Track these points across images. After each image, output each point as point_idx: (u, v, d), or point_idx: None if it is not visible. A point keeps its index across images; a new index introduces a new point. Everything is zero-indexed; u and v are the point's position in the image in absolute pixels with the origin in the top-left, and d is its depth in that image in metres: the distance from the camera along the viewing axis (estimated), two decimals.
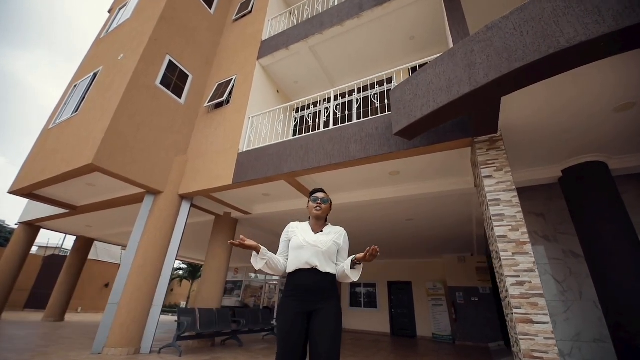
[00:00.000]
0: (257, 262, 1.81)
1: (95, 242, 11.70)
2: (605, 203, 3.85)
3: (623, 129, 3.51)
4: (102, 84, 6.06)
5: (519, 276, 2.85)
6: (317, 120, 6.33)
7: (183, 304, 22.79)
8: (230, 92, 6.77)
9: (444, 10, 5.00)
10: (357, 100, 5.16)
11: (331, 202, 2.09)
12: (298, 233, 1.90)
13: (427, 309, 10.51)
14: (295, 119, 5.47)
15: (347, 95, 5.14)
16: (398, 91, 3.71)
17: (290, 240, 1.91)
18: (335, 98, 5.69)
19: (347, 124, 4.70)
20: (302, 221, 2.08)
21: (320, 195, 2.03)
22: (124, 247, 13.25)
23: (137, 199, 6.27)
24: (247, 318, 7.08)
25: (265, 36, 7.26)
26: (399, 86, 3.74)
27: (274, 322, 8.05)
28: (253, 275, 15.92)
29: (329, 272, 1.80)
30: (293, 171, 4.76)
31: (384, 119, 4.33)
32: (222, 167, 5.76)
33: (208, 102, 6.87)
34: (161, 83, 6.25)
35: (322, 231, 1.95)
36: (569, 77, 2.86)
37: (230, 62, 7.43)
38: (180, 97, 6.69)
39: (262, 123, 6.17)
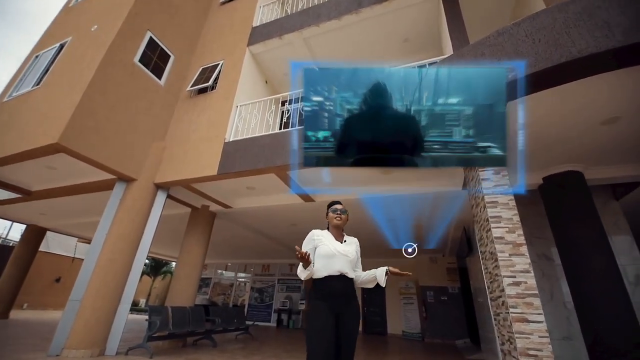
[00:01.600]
0: (303, 273, 1.99)
1: (47, 233, 10.55)
2: (582, 210, 4.11)
3: (604, 142, 3.76)
4: (71, 57, 5.41)
5: (515, 277, 2.93)
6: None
7: (143, 302, 21.42)
8: (217, 78, 6.39)
9: (443, 16, 5.09)
10: None
11: (348, 214, 2.25)
12: (326, 241, 2.08)
13: (399, 307, 10.79)
14: (289, 111, 5.27)
15: None
16: None
17: (317, 248, 2.08)
18: None
19: None
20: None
21: (339, 206, 2.23)
22: (81, 238, 12.11)
23: (105, 186, 5.69)
24: (221, 317, 6.75)
25: (256, 22, 6.95)
26: None
27: (250, 322, 7.77)
28: (222, 272, 15.36)
29: (352, 279, 2.05)
30: (285, 164, 4.58)
31: None
32: (205, 157, 5.41)
33: (191, 87, 6.43)
34: (140, 61, 5.73)
35: (345, 241, 2.16)
36: (570, 88, 2.97)
37: (216, 46, 7.02)
38: (160, 78, 6.18)
39: (251, 113, 5.89)
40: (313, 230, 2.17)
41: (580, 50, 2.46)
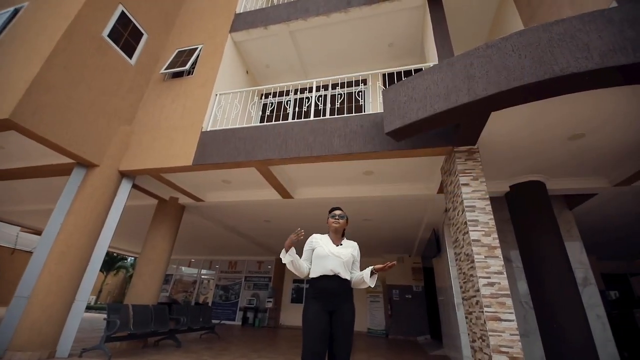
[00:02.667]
0: (285, 256, 2.12)
1: None
2: (543, 217, 4.46)
3: (567, 156, 4.10)
4: (27, 24, 4.75)
5: (490, 277, 3.10)
6: (297, 108, 6.04)
7: (92, 299, 19.74)
8: (195, 63, 6.02)
9: (428, 24, 5.25)
10: (341, 94, 5.08)
11: (347, 218, 2.39)
12: (322, 244, 2.23)
13: (365, 305, 11.02)
14: (272, 104, 5.12)
15: (327, 89, 5.01)
16: (392, 92, 3.73)
17: (314, 250, 2.23)
18: (318, 89, 5.49)
19: (330, 117, 4.57)
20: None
21: (338, 212, 2.36)
22: (25, 228, 10.81)
23: (62, 171, 5.11)
24: (185, 315, 6.40)
25: (240, 9, 6.66)
26: (393, 87, 3.75)
27: (216, 321, 7.46)
28: (185, 268, 14.64)
29: (347, 279, 2.16)
30: (269, 159, 4.43)
31: (370, 117, 4.32)
32: (179, 145, 5.07)
33: (165, 69, 6.00)
34: (109, 36, 5.22)
35: (342, 244, 2.29)
36: (544, 104, 3.20)
37: (195, 29, 6.61)
38: (130, 57, 5.69)
39: (231, 103, 5.63)
40: (314, 234, 2.34)
41: (562, 68, 2.64)
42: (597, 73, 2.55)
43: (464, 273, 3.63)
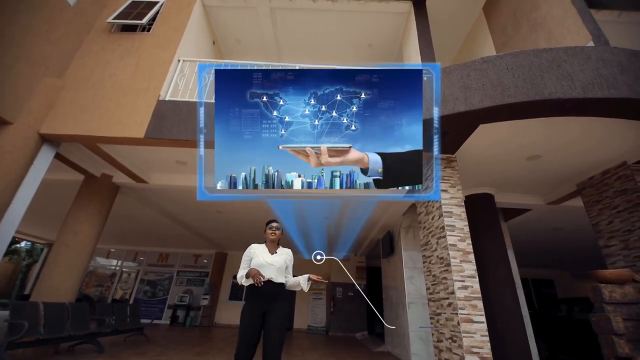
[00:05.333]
0: (246, 282, 2.44)
1: None
2: (491, 226, 4.94)
3: (518, 174, 4.60)
4: None
5: (464, 281, 3.25)
6: None
7: None
8: (153, 19, 5.11)
9: (412, 30, 5.38)
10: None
11: (282, 230, 2.74)
12: (259, 254, 2.55)
13: (308, 303, 10.97)
14: None
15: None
16: None
17: (252, 259, 2.54)
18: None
19: None
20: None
21: (275, 224, 2.71)
22: None
23: None
24: (110, 315, 5.41)
25: None
26: None
27: (147, 321, 6.50)
28: (101, 259, 12.57)
29: (280, 282, 2.51)
30: None
31: None
32: (128, 112, 4.22)
33: (114, 19, 4.95)
34: None
35: (277, 252, 2.63)
36: (530, 124, 3.44)
37: None
38: None
39: (198, 73, 4.90)
40: (251, 245, 2.64)
41: (551, 93, 2.89)
42: (579, 102, 2.85)
43: (433, 275, 3.76)
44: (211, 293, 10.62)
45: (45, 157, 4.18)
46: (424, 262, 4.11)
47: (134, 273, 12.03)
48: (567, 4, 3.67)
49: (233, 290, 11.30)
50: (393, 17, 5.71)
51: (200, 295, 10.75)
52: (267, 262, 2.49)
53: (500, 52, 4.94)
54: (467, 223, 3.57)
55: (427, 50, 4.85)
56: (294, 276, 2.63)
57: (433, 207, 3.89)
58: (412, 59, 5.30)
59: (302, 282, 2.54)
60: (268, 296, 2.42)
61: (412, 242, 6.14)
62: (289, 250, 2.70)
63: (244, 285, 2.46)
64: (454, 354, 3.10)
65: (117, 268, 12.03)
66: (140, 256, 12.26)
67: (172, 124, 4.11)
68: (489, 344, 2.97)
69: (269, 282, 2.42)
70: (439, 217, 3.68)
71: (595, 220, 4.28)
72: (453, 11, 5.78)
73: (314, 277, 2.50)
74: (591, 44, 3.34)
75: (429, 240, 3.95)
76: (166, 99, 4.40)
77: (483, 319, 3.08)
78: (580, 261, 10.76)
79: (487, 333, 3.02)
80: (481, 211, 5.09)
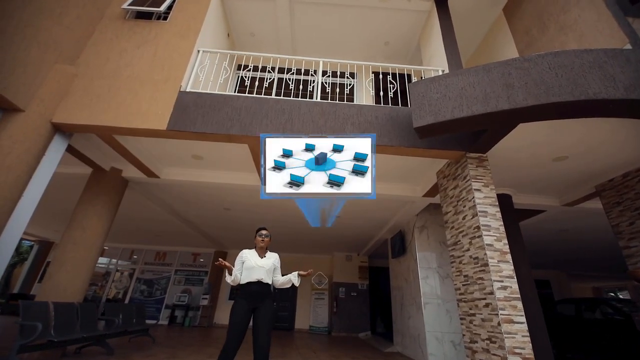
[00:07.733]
0: (229, 278, 2.84)
1: None
2: (510, 226, 4.96)
3: (543, 175, 4.63)
4: None
5: (502, 281, 3.22)
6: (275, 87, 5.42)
7: None
8: (170, 6, 4.90)
9: (431, 29, 5.36)
10: (350, 83, 4.74)
11: (270, 237, 3.09)
12: (250, 258, 2.90)
13: (309, 303, 10.86)
14: (248, 78, 4.50)
15: (317, 73, 4.62)
16: (422, 86, 3.59)
17: (244, 262, 2.89)
18: (315, 72, 5.02)
19: (342, 102, 4.22)
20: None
21: (264, 232, 3.05)
22: None
23: None
24: (119, 315, 5.17)
25: None
26: (423, 82, 3.63)
27: (153, 321, 6.24)
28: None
29: (268, 283, 2.88)
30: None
31: (385, 109, 4.12)
32: (147, 103, 4.02)
33: (129, 5, 4.73)
34: None
35: (265, 256, 2.99)
36: (568, 125, 3.44)
37: None
38: None
39: (218, 65, 4.74)
40: (243, 250, 3.00)
41: (595, 93, 2.88)
42: (621, 103, 2.85)
43: (465, 275, 3.72)
44: (211, 292, 10.36)
45: (57, 149, 3.94)
46: (452, 262, 4.07)
47: (128, 272, 11.62)
48: (602, 8, 3.69)
49: (233, 290, 11.06)
50: (413, 15, 5.67)
51: (199, 294, 10.48)
52: (257, 265, 2.85)
53: (523, 53, 4.95)
54: (502, 223, 3.54)
55: (452, 49, 4.82)
56: (282, 275, 2.99)
57: (464, 207, 3.85)
58: (432, 60, 5.26)
59: (293, 278, 2.91)
60: (257, 294, 2.77)
61: (427, 242, 6.12)
62: (276, 254, 3.08)
63: (240, 284, 2.82)
64: (493, 354, 3.07)
65: (112, 266, 11.59)
66: (136, 254, 11.85)
67: (195, 116, 3.93)
68: (531, 344, 2.95)
69: (259, 282, 2.79)
70: (472, 217, 3.65)
71: (616, 222, 4.35)
72: (471, 11, 5.77)
73: (302, 273, 2.91)
74: (628, 46, 3.37)
75: (459, 240, 3.91)
76: (188, 89, 4.23)
77: (523, 319, 3.06)
78: (575, 262, 11.06)
79: (527, 334, 2.99)
80: (502, 212, 5.10)
